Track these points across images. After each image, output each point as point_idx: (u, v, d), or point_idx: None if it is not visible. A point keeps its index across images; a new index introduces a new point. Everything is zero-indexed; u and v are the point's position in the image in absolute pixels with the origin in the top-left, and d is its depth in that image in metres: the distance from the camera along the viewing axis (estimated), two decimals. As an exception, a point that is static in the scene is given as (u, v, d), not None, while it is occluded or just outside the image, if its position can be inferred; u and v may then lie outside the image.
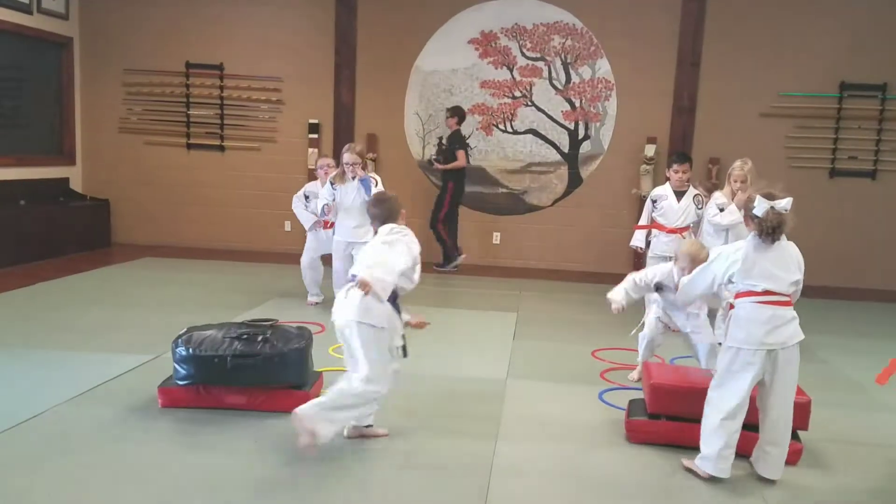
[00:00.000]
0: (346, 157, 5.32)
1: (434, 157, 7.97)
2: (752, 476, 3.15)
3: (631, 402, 3.68)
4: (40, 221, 7.47)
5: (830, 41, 7.61)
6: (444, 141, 7.94)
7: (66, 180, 8.45)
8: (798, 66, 7.67)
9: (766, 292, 2.97)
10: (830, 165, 7.73)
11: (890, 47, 7.52)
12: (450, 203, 7.75)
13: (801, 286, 3.07)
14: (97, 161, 8.70)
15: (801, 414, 3.27)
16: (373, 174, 5.59)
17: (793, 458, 3.26)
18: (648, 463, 3.28)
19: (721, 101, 7.78)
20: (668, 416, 3.40)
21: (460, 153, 7.67)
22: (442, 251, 7.79)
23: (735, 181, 5.08)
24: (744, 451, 3.19)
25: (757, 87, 7.72)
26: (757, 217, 2.96)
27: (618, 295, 4.01)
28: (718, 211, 5.15)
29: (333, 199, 5.45)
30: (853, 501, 3.00)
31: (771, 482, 3.08)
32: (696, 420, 3.34)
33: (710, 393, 3.10)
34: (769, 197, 2.96)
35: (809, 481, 3.14)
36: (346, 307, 3.13)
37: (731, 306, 3.11)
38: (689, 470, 3.14)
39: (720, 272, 3.09)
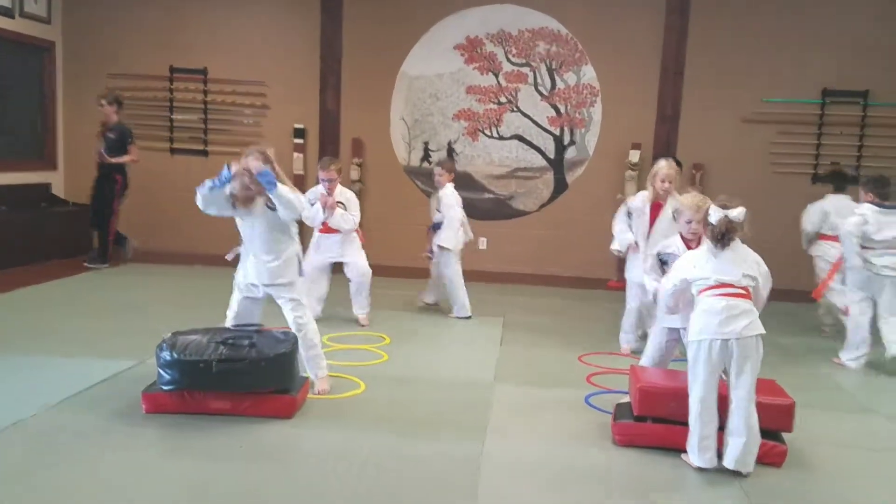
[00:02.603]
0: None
1: (100, 149, 7.42)
2: (735, 478, 3.16)
3: (617, 405, 3.69)
4: (22, 227, 7.38)
5: (813, 48, 7.69)
6: (110, 133, 7.40)
7: (48, 185, 8.36)
8: (781, 73, 7.74)
9: (720, 284, 3.18)
10: (813, 171, 7.80)
11: (872, 54, 7.61)
12: (119, 195, 7.54)
13: (763, 283, 3.28)
14: (79, 166, 8.59)
15: (785, 416, 3.30)
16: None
17: (777, 460, 3.29)
18: (635, 465, 3.29)
19: (704, 107, 7.84)
20: (654, 419, 3.41)
21: (133, 148, 7.48)
22: (102, 246, 7.60)
23: (663, 181, 4.78)
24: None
25: (740, 94, 7.78)
26: (711, 224, 3.22)
27: (654, 285, 3.95)
28: (626, 216, 4.99)
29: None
30: (838, 499, 3.01)
31: (731, 470, 3.14)
32: (682, 423, 3.36)
33: (689, 389, 3.27)
34: (724, 207, 3.20)
35: (793, 483, 3.16)
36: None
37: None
38: (686, 462, 3.28)
39: (689, 269, 3.31)
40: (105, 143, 7.38)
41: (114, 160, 7.37)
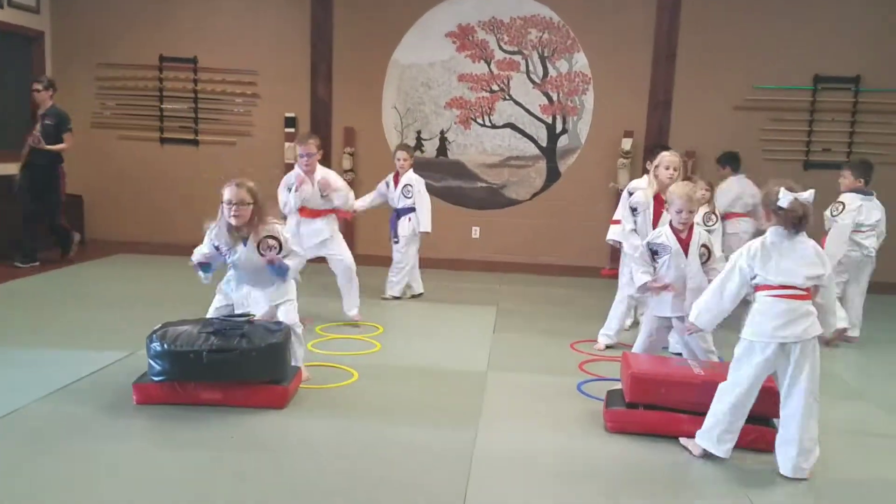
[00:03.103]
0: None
1: (37, 132, 6.87)
2: (726, 464, 3.17)
3: (609, 392, 3.70)
4: (12, 218, 7.32)
5: (804, 34, 7.68)
6: (47, 120, 6.94)
7: (60, 170, 8.27)
8: (772, 60, 7.73)
9: (782, 286, 3.00)
10: (805, 158, 7.81)
11: (863, 40, 7.62)
12: (63, 190, 7.14)
13: (827, 280, 3.08)
14: (69, 157, 8.51)
15: (776, 401, 3.30)
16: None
17: (769, 446, 3.29)
18: (626, 451, 3.30)
19: (697, 94, 7.84)
20: (645, 406, 3.42)
21: (69, 136, 7.05)
22: (62, 242, 7.21)
23: (667, 168, 4.57)
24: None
25: (732, 81, 7.78)
26: (782, 209, 2.99)
27: (642, 278, 3.91)
28: (631, 213, 4.78)
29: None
30: (830, 489, 3.03)
31: (790, 478, 3.05)
32: (673, 409, 3.38)
33: (722, 382, 3.16)
34: (790, 189, 3.00)
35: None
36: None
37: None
38: (685, 448, 3.26)
39: (746, 266, 3.08)
40: (42, 130, 6.89)
41: (49, 147, 6.87)
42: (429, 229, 6.06)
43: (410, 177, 6.07)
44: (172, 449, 3.13)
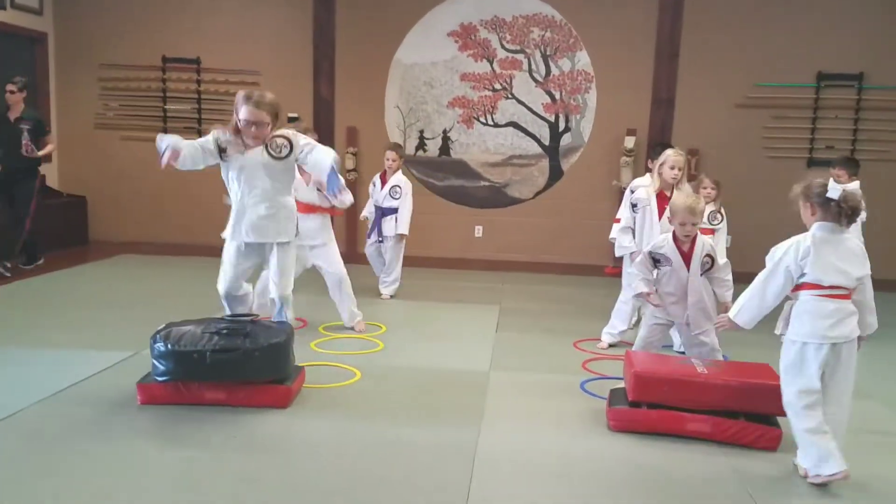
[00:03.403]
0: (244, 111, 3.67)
1: (28, 141, 6.55)
2: (729, 463, 3.17)
3: (612, 391, 3.70)
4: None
5: (807, 31, 7.66)
6: (25, 124, 6.58)
7: (42, 177, 8.29)
8: (775, 57, 7.71)
9: (833, 286, 2.89)
10: (808, 155, 7.79)
11: (866, 37, 7.59)
12: (38, 195, 6.87)
13: (869, 281, 2.99)
14: (73, 157, 8.59)
15: (780, 399, 3.29)
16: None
17: (772, 444, 3.30)
18: (629, 450, 3.29)
19: (699, 92, 7.82)
20: (648, 405, 3.42)
21: (50, 139, 6.97)
22: (26, 249, 6.81)
23: (672, 167, 4.61)
24: (719, 438, 3.22)
25: (735, 78, 7.76)
26: (832, 201, 2.87)
27: (641, 287, 3.94)
28: (631, 210, 4.79)
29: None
30: (835, 487, 3.02)
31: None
32: (676, 408, 3.37)
33: (784, 397, 3.01)
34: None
35: (789, 467, 3.17)
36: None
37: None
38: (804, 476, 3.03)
39: (794, 264, 2.94)
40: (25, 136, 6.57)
41: (38, 154, 6.67)
42: (406, 231, 6.06)
43: (399, 178, 6.08)
44: (176, 449, 3.14)
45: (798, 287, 2.96)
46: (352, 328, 5.10)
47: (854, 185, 2.91)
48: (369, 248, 6.25)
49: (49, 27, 8.35)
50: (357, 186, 7.74)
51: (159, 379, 3.55)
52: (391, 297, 6.18)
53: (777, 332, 3.06)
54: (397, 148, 6.20)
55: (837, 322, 2.89)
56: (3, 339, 4.57)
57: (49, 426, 3.29)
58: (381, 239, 6.10)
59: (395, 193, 6.02)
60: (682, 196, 3.95)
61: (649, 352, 3.96)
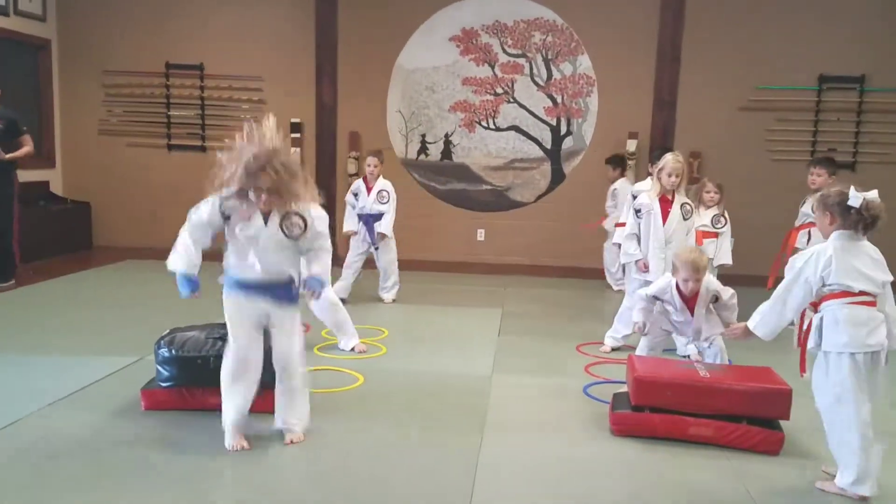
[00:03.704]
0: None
1: None
2: (732, 467, 3.17)
3: (615, 395, 3.70)
4: (21, 225, 7.37)
5: (809, 34, 7.67)
6: None
7: (47, 183, 8.37)
8: (777, 60, 7.72)
9: (862, 293, 2.81)
10: (810, 158, 7.75)
11: (868, 39, 7.59)
12: (18, 201, 6.36)
13: (890, 290, 2.89)
14: (77, 163, 8.63)
15: (783, 403, 3.31)
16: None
17: (774, 448, 3.31)
18: (632, 455, 3.30)
19: (701, 95, 7.83)
20: (651, 409, 3.42)
21: (27, 139, 6.32)
22: (5, 265, 6.32)
23: (669, 175, 4.61)
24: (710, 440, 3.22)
25: (737, 81, 7.77)
26: (853, 209, 2.82)
27: (637, 316, 4.09)
28: (635, 216, 4.78)
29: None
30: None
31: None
32: (679, 412, 3.38)
33: (830, 415, 2.88)
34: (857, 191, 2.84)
35: (792, 471, 3.17)
36: None
37: (816, 307, 2.93)
38: (824, 491, 2.96)
39: (814, 276, 2.86)
40: None
41: (12, 156, 6.19)
42: (390, 233, 6.05)
43: (384, 183, 6.06)
44: (180, 455, 3.15)
45: (825, 297, 2.87)
46: (350, 350, 4.68)
47: (873, 194, 2.85)
48: (354, 258, 6.08)
49: (52, 34, 8.39)
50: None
51: (163, 385, 3.56)
52: (393, 300, 6.19)
53: (811, 344, 2.93)
54: (378, 154, 6.16)
55: (873, 329, 2.81)
56: (6, 345, 4.60)
57: (53, 432, 3.30)
58: (376, 247, 6.05)
59: (383, 198, 6.00)
60: (686, 252, 3.93)
61: (652, 355, 4.00)
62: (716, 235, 5.26)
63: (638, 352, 4.11)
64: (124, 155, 8.51)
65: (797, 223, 5.53)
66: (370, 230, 6.02)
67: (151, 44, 8.36)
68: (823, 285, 2.85)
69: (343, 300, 5.60)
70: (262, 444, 3.26)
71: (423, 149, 8.27)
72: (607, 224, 6.92)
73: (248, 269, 3.13)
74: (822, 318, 2.88)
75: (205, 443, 3.25)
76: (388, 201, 6.03)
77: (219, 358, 3.48)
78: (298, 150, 8.20)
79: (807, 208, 5.42)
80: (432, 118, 8.24)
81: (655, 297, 4.00)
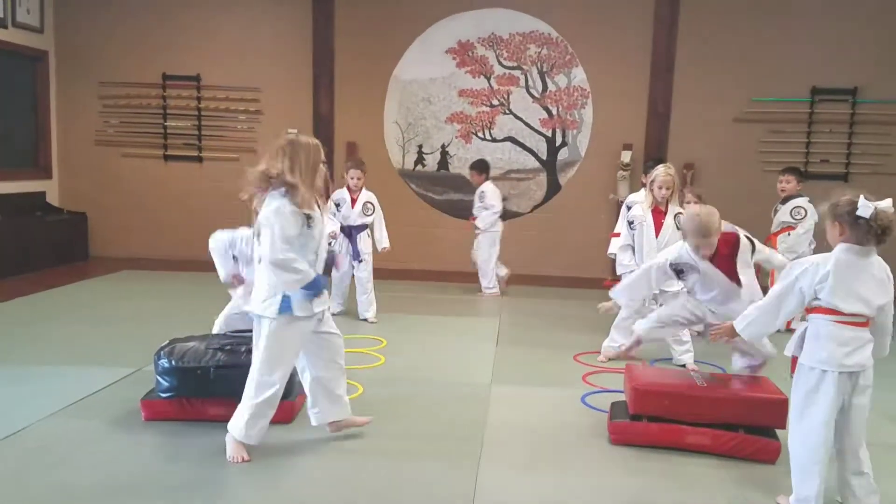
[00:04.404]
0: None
1: None
2: (730, 477, 3.20)
3: (613, 404, 3.73)
4: (17, 236, 7.39)
5: (802, 47, 7.75)
6: None
7: (43, 194, 8.37)
8: (770, 72, 7.80)
9: (853, 314, 2.70)
10: (803, 169, 7.84)
11: (860, 52, 7.69)
12: None
13: (890, 307, 2.78)
14: (74, 174, 8.63)
15: (779, 412, 3.33)
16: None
17: (771, 457, 3.33)
18: (630, 463, 3.32)
19: (695, 107, 7.90)
20: (649, 418, 3.45)
21: None
22: None
23: (660, 187, 4.70)
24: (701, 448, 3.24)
25: (730, 93, 7.84)
26: (862, 219, 2.65)
27: (639, 326, 3.92)
28: (629, 228, 4.85)
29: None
30: (832, 498, 3.05)
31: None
32: (677, 421, 3.40)
33: (792, 425, 2.85)
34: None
35: (788, 479, 3.19)
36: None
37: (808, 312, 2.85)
38: None
39: (808, 287, 2.74)
40: None
41: None
42: (388, 245, 5.98)
43: (369, 194, 5.93)
44: (180, 465, 3.16)
45: (814, 309, 2.78)
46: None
47: (886, 203, 2.67)
48: (342, 277, 5.95)
49: (50, 45, 8.41)
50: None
51: (163, 395, 3.57)
52: (375, 320, 5.89)
53: (787, 353, 2.93)
54: (361, 165, 6.00)
55: (854, 350, 2.72)
56: (7, 356, 4.59)
57: (54, 442, 3.30)
58: (360, 259, 5.87)
59: (368, 210, 5.87)
60: (690, 220, 3.65)
61: (661, 325, 3.84)
62: None
63: (644, 325, 3.93)
64: (121, 166, 8.53)
65: (773, 230, 5.84)
66: (353, 242, 5.87)
67: (148, 55, 8.39)
68: (815, 297, 2.75)
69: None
70: (263, 453, 3.27)
71: (420, 159, 8.31)
72: (480, 223, 7.02)
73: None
74: (805, 329, 2.83)
75: (204, 453, 3.26)
76: (373, 213, 5.90)
77: (218, 369, 3.51)
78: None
79: (783, 215, 5.81)
80: (429, 129, 8.29)
81: (672, 268, 3.64)
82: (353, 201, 5.87)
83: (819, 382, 2.75)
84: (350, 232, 5.86)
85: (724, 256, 3.59)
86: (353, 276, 5.96)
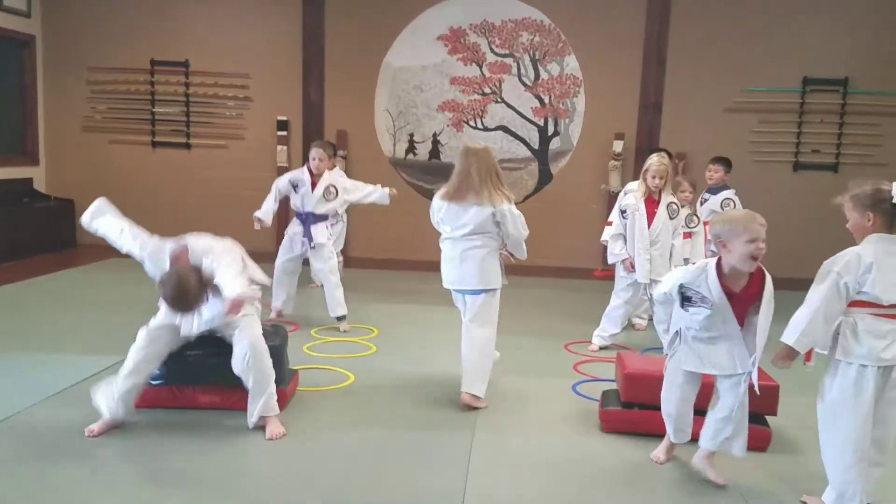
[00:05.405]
0: None
1: None
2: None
3: (604, 392, 3.74)
4: (4, 223, 7.32)
5: (793, 37, 7.75)
6: None
7: (30, 181, 8.28)
8: (762, 62, 7.79)
9: (892, 305, 2.62)
10: (794, 159, 7.88)
11: (851, 42, 7.69)
12: None
13: None
14: (61, 161, 8.54)
15: (770, 399, 3.35)
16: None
17: (762, 444, 3.35)
18: (622, 451, 3.33)
19: (687, 96, 7.89)
20: (640, 405, 3.46)
21: None
22: None
23: (654, 177, 4.69)
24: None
25: (722, 83, 7.83)
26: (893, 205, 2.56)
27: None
28: (621, 216, 4.83)
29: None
30: (824, 486, 3.07)
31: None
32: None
33: (827, 424, 2.76)
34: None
35: (780, 467, 3.21)
36: None
37: None
38: None
39: (853, 282, 2.63)
40: None
41: None
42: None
43: (336, 178, 5.43)
44: (170, 452, 3.14)
45: (852, 304, 2.68)
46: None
47: None
48: (287, 263, 5.37)
49: (37, 30, 8.30)
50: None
51: (153, 382, 3.55)
52: (346, 330, 5.26)
53: (784, 339, 2.75)
54: (325, 145, 5.45)
55: (891, 343, 2.64)
56: (-7, 344, 4.55)
57: (41, 431, 3.28)
58: (313, 245, 5.24)
59: (330, 195, 5.27)
60: (736, 213, 3.26)
61: (680, 412, 3.19)
62: (689, 235, 5.28)
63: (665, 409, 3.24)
64: (108, 152, 8.44)
65: (703, 219, 5.45)
66: (308, 230, 5.27)
67: (137, 40, 8.29)
68: (858, 291, 2.64)
69: (280, 313, 5.33)
70: (254, 441, 3.25)
71: (412, 148, 8.26)
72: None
73: None
74: (839, 324, 2.70)
75: (195, 440, 3.25)
76: (335, 198, 5.31)
77: (209, 356, 3.49)
78: (285, 148, 8.18)
79: (713, 205, 5.78)
80: (420, 117, 8.24)
81: (681, 291, 2.95)
82: (314, 185, 5.27)
83: (859, 378, 2.67)
84: (305, 219, 5.27)
85: (749, 296, 2.97)
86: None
